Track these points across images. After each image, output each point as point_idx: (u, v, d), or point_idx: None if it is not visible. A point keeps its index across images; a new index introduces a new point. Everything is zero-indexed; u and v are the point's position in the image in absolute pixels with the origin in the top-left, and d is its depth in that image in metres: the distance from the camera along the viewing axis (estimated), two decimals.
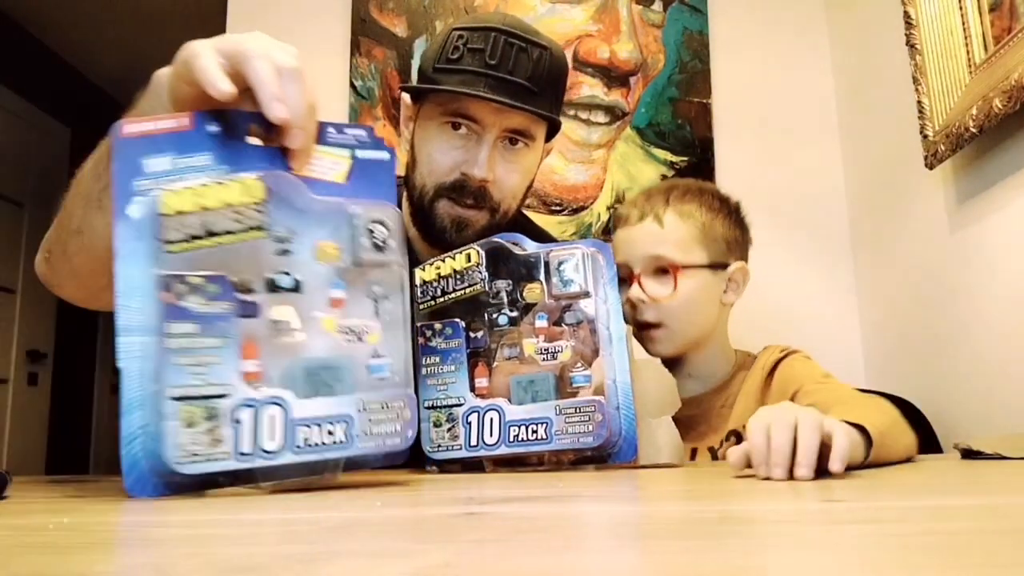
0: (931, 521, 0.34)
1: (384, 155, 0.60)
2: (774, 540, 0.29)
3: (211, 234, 0.51)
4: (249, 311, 0.52)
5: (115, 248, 0.50)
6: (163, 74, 0.59)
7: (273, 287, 0.53)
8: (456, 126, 0.87)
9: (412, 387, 0.57)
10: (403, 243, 0.59)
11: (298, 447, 0.51)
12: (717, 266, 1.02)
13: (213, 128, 0.54)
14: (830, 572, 0.22)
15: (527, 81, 0.85)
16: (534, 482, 0.59)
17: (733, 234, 1.04)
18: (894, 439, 0.75)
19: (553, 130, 0.94)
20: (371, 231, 0.56)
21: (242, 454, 0.49)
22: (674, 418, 0.77)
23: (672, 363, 1.04)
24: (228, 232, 0.52)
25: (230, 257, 0.52)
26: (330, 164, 0.58)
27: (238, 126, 0.56)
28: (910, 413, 1.23)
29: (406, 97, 0.95)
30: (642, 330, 1.01)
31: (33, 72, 3.30)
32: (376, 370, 0.55)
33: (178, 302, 0.50)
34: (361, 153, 0.59)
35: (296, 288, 0.53)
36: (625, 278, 1.00)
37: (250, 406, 0.50)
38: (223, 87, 0.53)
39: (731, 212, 1.04)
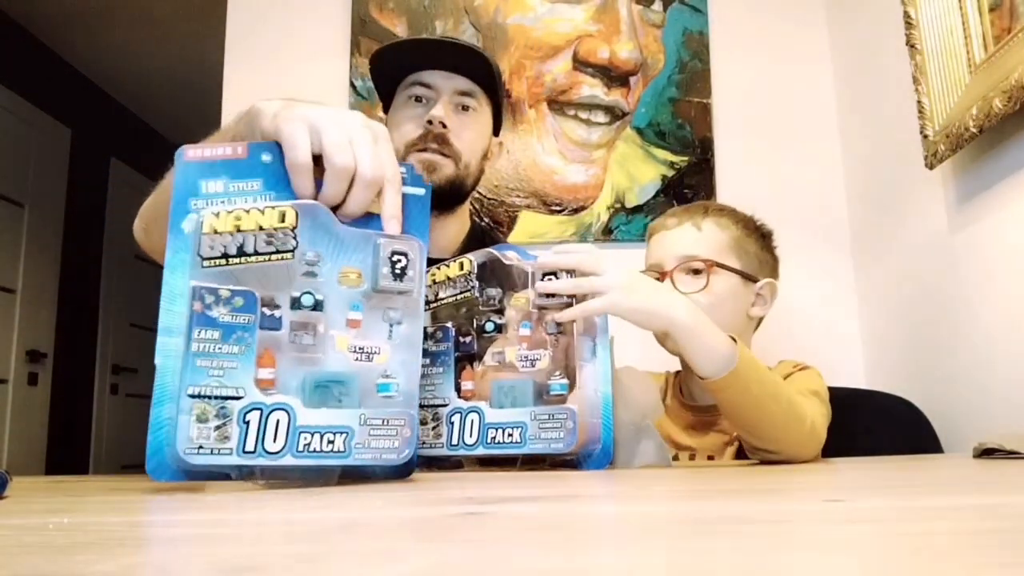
0: (932, 521, 0.34)
1: (420, 191, 0.65)
2: (774, 540, 0.29)
3: (242, 253, 0.56)
4: (271, 324, 0.56)
5: (166, 257, 0.55)
6: (263, 111, 0.63)
7: (296, 304, 0.57)
8: (417, 100, 1.04)
9: (417, 408, 0.60)
10: (423, 273, 0.62)
11: (299, 451, 0.54)
12: (748, 277, 1.06)
13: (266, 157, 0.60)
14: (831, 572, 0.22)
15: (471, 48, 1.03)
16: (534, 482, 0.59)
17: (764, 256, 1.09)
18: (777, 392, 0.80)
19: (497, 121, 1.10)
20: (393, 261, 0.60)
21: (246, 452, 0.53)
22: (690, 421, 0.77)
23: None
24: (258, 253, 0.57)
25: (260, 274, 0.56)
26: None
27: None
28: (910, 413, 1.24)
29: (383, 116, 1.10)
30: None
31: (33, 72, 3.30)
32: (383, 388, 0.58)
33: (206, 311, 0.54)
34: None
35: (317, 307, 0.57)
36: (657, 279, 1.03)
37: (259, 409, 0.54)
38: (302, 160, 0.59)
39: (764, 236, 1.11)
